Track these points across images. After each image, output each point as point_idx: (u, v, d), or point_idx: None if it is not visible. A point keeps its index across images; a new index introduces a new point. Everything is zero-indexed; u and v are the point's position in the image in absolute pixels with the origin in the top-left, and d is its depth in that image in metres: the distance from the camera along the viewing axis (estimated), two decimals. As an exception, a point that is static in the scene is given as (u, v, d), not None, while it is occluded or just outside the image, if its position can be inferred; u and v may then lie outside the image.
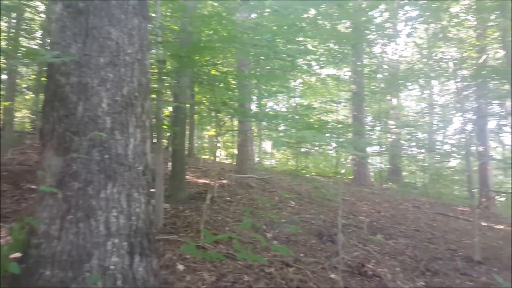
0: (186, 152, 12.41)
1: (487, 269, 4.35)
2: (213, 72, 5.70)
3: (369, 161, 13.80)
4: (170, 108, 8.19)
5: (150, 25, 4.13)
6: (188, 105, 9.03)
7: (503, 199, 10.86)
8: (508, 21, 4.63)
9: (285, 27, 5.04)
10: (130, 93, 2.33)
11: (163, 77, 4.16)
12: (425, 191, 10.35)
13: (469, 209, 9.18)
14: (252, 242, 4.13)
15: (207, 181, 7.40)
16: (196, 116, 11.93)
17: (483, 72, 6.06)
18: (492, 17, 6.86)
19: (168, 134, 8.42)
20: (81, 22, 2.29)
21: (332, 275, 3.52)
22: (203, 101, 7.82)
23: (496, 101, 9.45)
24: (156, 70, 4.10)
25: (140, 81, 2.41)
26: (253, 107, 10.64)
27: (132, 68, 2.37)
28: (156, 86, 4.07)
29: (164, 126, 5.39)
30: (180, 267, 3.16)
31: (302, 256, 3.90)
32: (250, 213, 5.45)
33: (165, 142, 10.99)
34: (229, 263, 3.36)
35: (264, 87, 10.28)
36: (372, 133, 12.75)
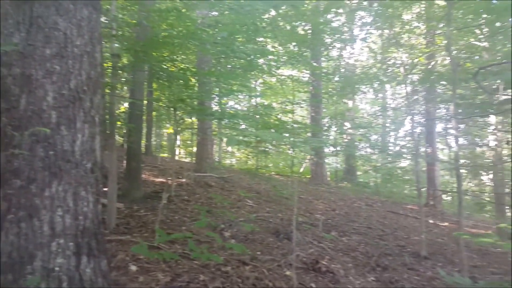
0: (143, 150, 12.11)
1: (433, 264, 4.60)
2: (172, 69, 5.59)
3: (326, 161, 14.16)
4: (127, 104, 7.94)
5: (104, 18, 3.98)
6: (145, 102, 8.82)
7: (449, 198, 11.55)
8: (452, 30, 4.95)
9: (244, 26, 5.04)
10: (78, 87, 2.22)
11: (118, 71, 4.01)
12: (377, 190, 10.77)
13: (417, 207, 9.69)
14: (209, 241, 4.09)
15: (164, 180, 7.24)
16: (154, 114, 11.66)
17: (431, 77, 6.41)
18: (441, 25, 7.28)
19: (124, 131, 8.14)
20: (25, 10, 2.15)
21: (288, 272, 3.56)
22: (161, 98, 7.68)
23: (443, 105, 10.02)
24: (110, 64, 3.95)
25: (89, 74, 2.31)
26: (214, 105, 10.60)
27: (80, 61, 2.26)
28: (109, 80, 3.92)
29: (119, 123, 5.21)
30: (133, 268, 3.06)
31: (259, 254, 3.91)
32: (208, 212, 5.40)
33: (120, 139, 10.66)
34: (184, 263, 3.30)
35: (224, 85, 10.23)
36: (329, 133, 13.11)
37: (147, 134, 12.89)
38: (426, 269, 4.39)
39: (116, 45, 4.18)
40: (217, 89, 9.31)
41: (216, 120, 8.42)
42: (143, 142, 12.94)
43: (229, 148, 17.56)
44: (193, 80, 6.55)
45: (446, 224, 7.79)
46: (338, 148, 14.33)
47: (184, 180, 7.37)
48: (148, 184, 6.68)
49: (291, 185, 9.58)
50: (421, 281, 3.99)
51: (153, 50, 4.32)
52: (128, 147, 5.67)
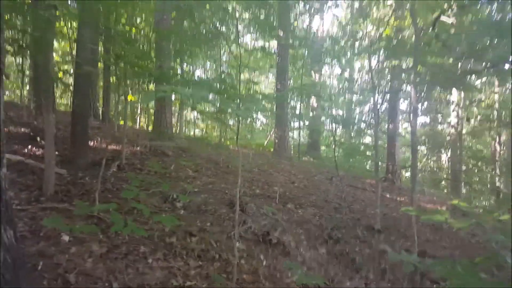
0: (101, 116, 11.48)
1: (385, 237, 4.64)
2: (127, 28, 5.14)
3: (289, 134, 14.14)
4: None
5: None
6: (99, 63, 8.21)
7: (408, 174, 11.84)
8: (414, 2, 4.83)
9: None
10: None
11: (53, 25, 3.56)
12: (338, 164, 10.86)
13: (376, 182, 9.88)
14: (157, 212, 3.87)
15: (117, 148, 6.85)
16: (112, 78, 11.00)
17: (393, 47, 6.32)
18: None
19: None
20: None
21: (237, 244, 3.42)
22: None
23: (407, 82, 10.08)
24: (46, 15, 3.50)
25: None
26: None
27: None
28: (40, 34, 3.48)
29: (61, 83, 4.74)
30: (65, 238, 2.79)
31: (209, 226, 3.74)
32: (160, 182, 5.14)
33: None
34: (126, 235, 3.07)
35: (187, 52, 9.75)
36: (294, 107, 12.99)
37: (104, 99, 12.23)
38: (378, 242, 4.41)
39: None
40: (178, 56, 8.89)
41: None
42: (100, 108, 12.29)
43: (192, 117, 17.14)
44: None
45: (402, 199, 7.97)
46: (303, 123, 14.32)
47: (138, 148, 7.02)
48: (99, 151, 6.29)
49: (252, 157, 9.44)
50: (372, 254, 3.99)
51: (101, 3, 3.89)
52: (72, 110, 5.23)
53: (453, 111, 8.16)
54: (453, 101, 8.12)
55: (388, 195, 8.21)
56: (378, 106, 9.97)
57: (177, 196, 4.80)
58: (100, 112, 12.19)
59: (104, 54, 5.73)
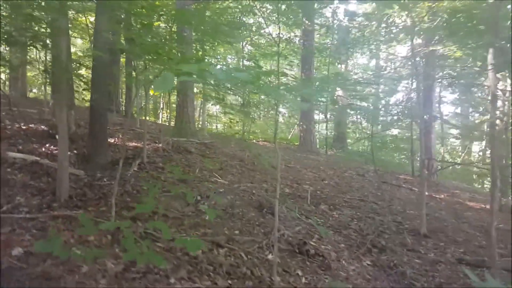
0: (123, 112, 11.28)
1: (434, 244, 4.12)
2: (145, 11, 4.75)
3: (315, 127, 13.60)
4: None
5: None
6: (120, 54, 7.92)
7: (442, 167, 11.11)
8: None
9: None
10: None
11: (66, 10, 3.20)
12: (371, 158, 10.27)
13: (411, 177, 9.25)
14: (180, 217, 3.50)
15: (138, 145, 6.55)
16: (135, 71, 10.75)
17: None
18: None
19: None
20: None
21: (270, 256, 3.00)
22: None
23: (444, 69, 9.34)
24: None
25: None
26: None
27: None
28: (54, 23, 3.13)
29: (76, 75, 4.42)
30: (76, 253, 2.44)
31: (237, 234, 3.33)
32: (182, 181, 4.78)
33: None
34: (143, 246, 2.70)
35: (209, 44, 9.36)
36: (320, 98, 12.40)
37: (126, 94, 12.03)
38: (428, 250, 3.90)
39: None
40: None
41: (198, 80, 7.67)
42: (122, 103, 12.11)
43: (214, 112, 16.82)
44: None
45: (442, 196, 7.35)
46: (329, 114, 13.73)
47: (160, 145, 6.69)
48: (119, 148, 5.98)
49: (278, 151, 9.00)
50: (423, 265, 3.50)
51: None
52: (90, 106, 4.92)
53: (504, 100, 7.44)
54: (504, 90, 7.38)
55: (426, 192, 7.61)
56: (414, 95, 9.30)
57: (201, 197, 4.44)
58: (123, 107, 12.03)
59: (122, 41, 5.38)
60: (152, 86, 6.49)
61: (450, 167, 11.38)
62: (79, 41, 14.46)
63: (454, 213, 6.15)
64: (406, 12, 5.06)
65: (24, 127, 5.67)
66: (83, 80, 6.74)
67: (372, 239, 3.86)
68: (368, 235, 4.04)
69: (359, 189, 6.51)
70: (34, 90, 16.35)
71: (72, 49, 11.54)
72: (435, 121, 9.10)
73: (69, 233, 2.69)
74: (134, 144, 6.57)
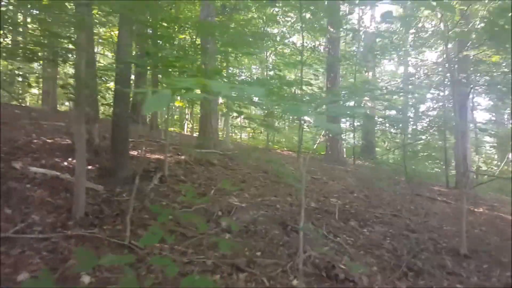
0: (148, 123, 11.32)
1: (477, 266, 3.74)
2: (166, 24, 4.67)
3: (342, 136, 13.21)
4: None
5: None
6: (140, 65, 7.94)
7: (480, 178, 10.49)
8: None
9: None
10: None
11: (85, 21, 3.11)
12: (402, 169, 9.79)
13: (446, 189, 8.74)
14: (199, 236, 3.31)
15: (161, 157, 6.47)
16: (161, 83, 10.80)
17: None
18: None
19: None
20: None
21: (295, 282, 2.75)
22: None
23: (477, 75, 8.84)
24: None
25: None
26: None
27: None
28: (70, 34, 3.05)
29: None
30: (86, 279, 2.29)
31: (259, 256, 3.11)
32: (203, 195, 4.61)
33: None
34: (159, 269, 2.53)
35: (233, 55, 9.31)
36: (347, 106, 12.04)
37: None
38: (470, 274, 3.53)
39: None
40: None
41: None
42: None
43: (238, 121, 16.72)
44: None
45: (481, 209, 6.85)
46: (357, 123, 13.32)
47: (183, 157, 6.58)
48: (141, 161, 5.90)
49: (302, 164, 8.72)
50: (466, 291, 3.14)
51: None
52: (112, 118, 4.85)
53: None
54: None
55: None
56: (446, 102, 8.85)
57: (222, 213, 4.25)
58: (148, 118, 12.10)
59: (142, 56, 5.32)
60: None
61: (486, 177, 10.71)
62: (109, 55, 14.81)
63: (496, 229, 5.68)
64: (440, 16, 4.74)
65: (49, 141, 5.70)
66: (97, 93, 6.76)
67: (408, 261, 3.53)
68: (403, 256, 3.71)
69: (390, 203, 6.13)
70: (67, 103, 16.82)
71: (103, 62, 11.79)
72: (466, 130, 8.58)
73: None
74: (156, 156, 6.49)
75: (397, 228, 4.67)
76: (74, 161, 4.93)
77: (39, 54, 3.08)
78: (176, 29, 4.79)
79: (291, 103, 3.10)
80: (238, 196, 5.01)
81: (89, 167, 5.02)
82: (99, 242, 2.78)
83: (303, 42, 9.27)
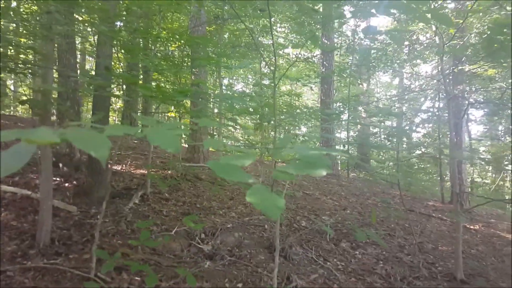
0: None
1: (475, 294, 3.49)
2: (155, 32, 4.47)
3: (336, 147, 13.01)
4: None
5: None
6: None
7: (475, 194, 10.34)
8: None
9: None
10: None
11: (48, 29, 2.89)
12: (398, 183, 9.57)
13: (441, 204, 8.52)
14: (175, 265, 3.04)
15: (145, 172, 6.20)
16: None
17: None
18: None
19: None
20: None
21: (278, 319, 2.49)
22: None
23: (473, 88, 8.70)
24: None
25: None
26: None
27: None
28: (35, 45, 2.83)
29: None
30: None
31: (241, 287, 2.84)
32: (186, 215, 4.34)
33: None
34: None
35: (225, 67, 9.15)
36: (340, 119, 11.89)
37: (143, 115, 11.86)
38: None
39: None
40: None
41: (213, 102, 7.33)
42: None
43: (232, 132, 16.45)
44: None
45: (477, 227, 6.62)
46: (352, 135, 13.13)
47: (170, 172, 6.32)
48: (125, 177, 5.64)
49: (298, 178, 8.47)
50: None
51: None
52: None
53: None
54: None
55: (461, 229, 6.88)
56: (441, 114, 8.68)
57: (206, 235, 3.99)
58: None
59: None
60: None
61: (481, 192, 10.53)
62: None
63: (493, 249, 5.45)
64: (434, 29, 4.57)
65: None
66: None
67: (402, 290, 3.29)
68: (396, 282, 3.47)
69: (384, 221, 5.89)
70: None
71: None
72: (462, 144, 8.41)
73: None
74: (141, 171, 6.23)
75: (390, 250, 4.43)
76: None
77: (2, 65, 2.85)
78: (162, 40, 4.58)
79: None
80: (224, 215, 4.75)
81: (66, 184, 4.76)
82: (60, 274, 2.50)
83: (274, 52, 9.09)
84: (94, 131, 0.73)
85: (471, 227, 6.64)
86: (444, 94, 6.65)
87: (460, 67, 5.82)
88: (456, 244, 4.02)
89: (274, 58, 3.57)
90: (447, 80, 6.02)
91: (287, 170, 1.07)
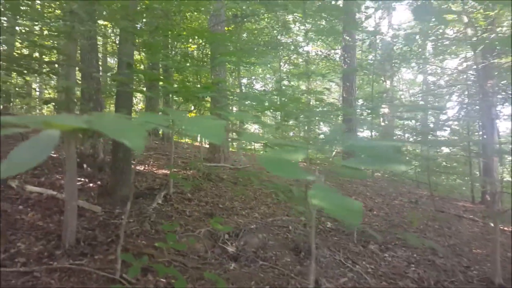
0: (161, 135, 11.11)
1: (517, 300, 3.28)
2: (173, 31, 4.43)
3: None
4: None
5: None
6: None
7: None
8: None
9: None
10: None
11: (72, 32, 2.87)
12: (423, 182, 9.27)
13: (471, 204, 8.20)
14: (200, 266, 2.97)
15: (168, 172, 6.19)
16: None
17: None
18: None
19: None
20: None
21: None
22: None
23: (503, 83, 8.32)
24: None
25: None
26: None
27: None
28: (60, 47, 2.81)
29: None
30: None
31: (267, 290, 2.75)
32: (209, 215, 4.29)
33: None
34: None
35: (245, 64, 9.11)
36: (363, 117, 11.63)
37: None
38: (510, 311, 3.08)
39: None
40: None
41: (233, 101, 7.25)
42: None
43: (253, 130, 16.40)
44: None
45: (511, 229, 6.30)
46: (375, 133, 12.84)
47: (191, 172, 6.29)
48: (147, 177, 5.64)
49: (319, 177, 8.31)
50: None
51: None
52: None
53: None
54: None
55: (491, 223, 6.59)
56: (474, 111, 8.36)
57: (230, 236, 3.91)
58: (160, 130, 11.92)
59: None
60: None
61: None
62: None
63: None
64: (466, 21, 4.36)
65: (55, 155, 5.49)
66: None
67: (437, 295, 3.12)
68: (430, 287, 3.30)
69: (413, 222, 5.68)
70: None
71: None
72: (493, 142, 8.07)
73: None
74: (163, 171, 6.22)
75: (421, 252, 4.24)
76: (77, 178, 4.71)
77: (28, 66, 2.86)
78: (183, 39, 4.54)
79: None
80: (247, 215, 4.67)
81: (91, 184, 4.78)
82: (86, 276, 2.47)
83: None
84: (125, 119, 0.64)
85: (505, 228, 6.32)
86: (474, 90, 6.36)
87: (492, 61, 5.54)
88: (493, 247, 3.80)
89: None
90: (479, 75, 5.75)
91: (356, 166, 0.94)
